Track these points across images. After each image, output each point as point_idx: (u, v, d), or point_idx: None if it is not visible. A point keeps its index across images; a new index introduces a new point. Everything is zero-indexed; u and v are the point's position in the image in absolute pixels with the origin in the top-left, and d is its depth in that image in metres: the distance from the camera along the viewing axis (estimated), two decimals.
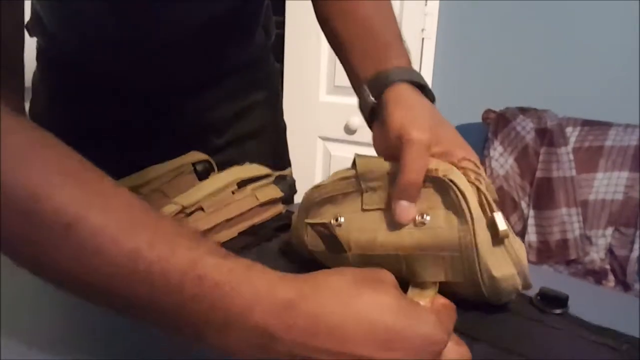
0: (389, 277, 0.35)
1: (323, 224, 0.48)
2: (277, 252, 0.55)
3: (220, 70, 0.75)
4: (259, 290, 0.31)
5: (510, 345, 0.40)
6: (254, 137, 0.82)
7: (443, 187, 0.43)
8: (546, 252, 1.54)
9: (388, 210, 0.45)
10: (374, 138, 0.53)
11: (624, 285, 1.46)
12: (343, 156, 2.00)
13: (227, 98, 0.77)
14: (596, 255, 1.51)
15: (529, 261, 0.43)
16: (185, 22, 0.66)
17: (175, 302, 0.31)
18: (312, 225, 0.49)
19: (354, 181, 0.48)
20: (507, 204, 1.61)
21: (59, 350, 0.41)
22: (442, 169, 0.44)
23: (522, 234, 1.58)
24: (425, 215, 0.43)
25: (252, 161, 0.67)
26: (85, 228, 0.31)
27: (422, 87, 0.54)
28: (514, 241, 0.43)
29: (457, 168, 0.44)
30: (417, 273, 0.44)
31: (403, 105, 0.50)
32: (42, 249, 0.32)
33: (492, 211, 0.42)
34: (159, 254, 0.31)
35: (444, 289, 0.44)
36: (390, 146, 0.48)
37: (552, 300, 0.46)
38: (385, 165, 0.47)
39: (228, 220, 0.57)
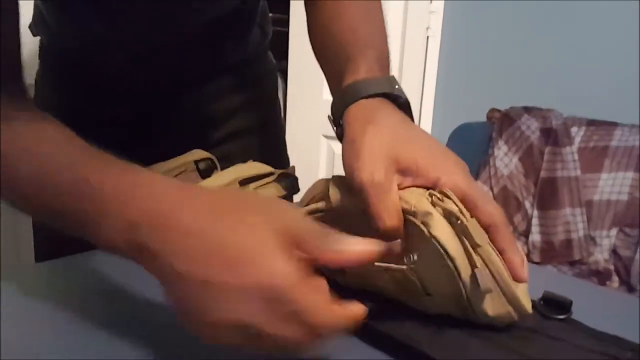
0: (255, 203, 0.37)
1: None
2: None
3: (217, 67, 0.76)
4: (120, 184, 0.37)
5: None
6: (253, 131, 0.82)
7: (424, 238, 0.39)
8: (550, 253, 1.54)
9: None
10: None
11: (628, 286, 1.45)
12: None
13: (224, 93, 0.78)
14: (600, 256, 1.50)
15: (533, 262, 0.42)
16: (183, 24, 0.67)
17: (55, 194, 0.38)
18: None
19: (331, 214, 0.44)
20: (511, 203, 1.61)
21: (59, 350, 0.41)
22: (420, 212, 0.39)
23: (525, 234, 1.58)
24: (413, 256, 0.40)
25: (250, 155, 0.67)
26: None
27: (388, 96, 0.47)
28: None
29: (433, 204, 0.40)
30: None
31: (354, 135, 0.44)
32: None
33: (474, 266, 0.39)
34: (43, 160, 0.39)
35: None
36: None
37: (556, 305, 0.45)
38: (359, 205, 0.41)
39: None
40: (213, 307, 0.32)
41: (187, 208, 0.35)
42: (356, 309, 0.34)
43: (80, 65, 0.71)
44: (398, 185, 0.41)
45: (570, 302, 0.45)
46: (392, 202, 0.40)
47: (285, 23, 2.03)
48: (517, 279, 0.39)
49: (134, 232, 0.34)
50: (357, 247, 0.35)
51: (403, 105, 0.48)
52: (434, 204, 0.40)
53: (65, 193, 0.38)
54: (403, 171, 0.41)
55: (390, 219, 0.39)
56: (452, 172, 0.41)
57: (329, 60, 0.56)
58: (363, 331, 0.43)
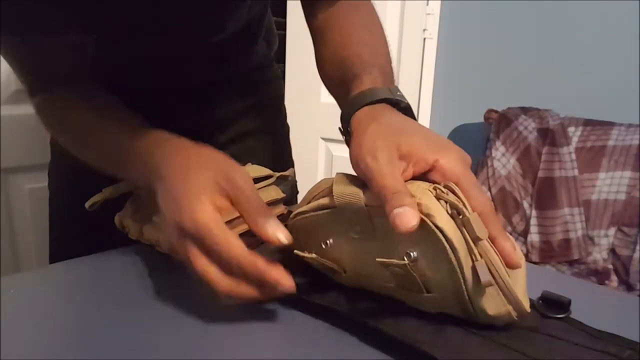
0: (215, 160, 0.49)
1: (312, 257, 0.46)
2: (278, 252, 0.55)
3: (222, 76, 0.77)
4: (143, 146, 0.53)
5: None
6: (257, 134, 0.83)
7: (428, 231, 0.39)
8: (549, 252, 1.54)
9: (371, 241, 0.43)
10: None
11: (627, 285, 1.46)
12: (345, 156, 2.00)
13: (229, 99, 0.80)
14: (599, 256, 1.50)
15: (532, 262, 0.42)
16: (191, 45, 0.68)
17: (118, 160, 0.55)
18: (302, 256, 0.47)
19: (334, 211, 0.45)
20: (509, 204, 1.61)
21: (58, 350, 0.41)
22: (425, 204, 0.39)
23: (524, 234, 1.58)
24: (412, 253, 0.40)
25: (254, 157, 0.67)
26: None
27: (389, 101, 0.50)
28: (510, 271, 0.41)
29: (437, 197, 0.40)
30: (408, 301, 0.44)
31: (359, 133, 0.46)
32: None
33: (474, 259, 0.39)
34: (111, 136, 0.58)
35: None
36: (362, 177, 0.44)
37: (554, 305, 0.46)
38: (362, 198, 0.43)
39: (229, 222, 0.57)
40: (165, 232, 0.46)
41: (165, 163, 0.48)
42: (278, 271, 0.43)
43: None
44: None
45: (569, 302, 0.46)
46: (393, 164, 0.41)
47: (283, 26, 2.03)
48: (510, 265, 0.40)
49: (147, 175, 0.50)
50: (269, 231, 0.44)
51: (405, 109, 0.51)
52: (438, 197, 0.40)
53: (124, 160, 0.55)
54: (404, 157, 0.43)
55: (392, 177, 0.40)
56: (450, 156, 0.43)
57: (338, 85, 0.60)
58: (363, 331, 0.43)
